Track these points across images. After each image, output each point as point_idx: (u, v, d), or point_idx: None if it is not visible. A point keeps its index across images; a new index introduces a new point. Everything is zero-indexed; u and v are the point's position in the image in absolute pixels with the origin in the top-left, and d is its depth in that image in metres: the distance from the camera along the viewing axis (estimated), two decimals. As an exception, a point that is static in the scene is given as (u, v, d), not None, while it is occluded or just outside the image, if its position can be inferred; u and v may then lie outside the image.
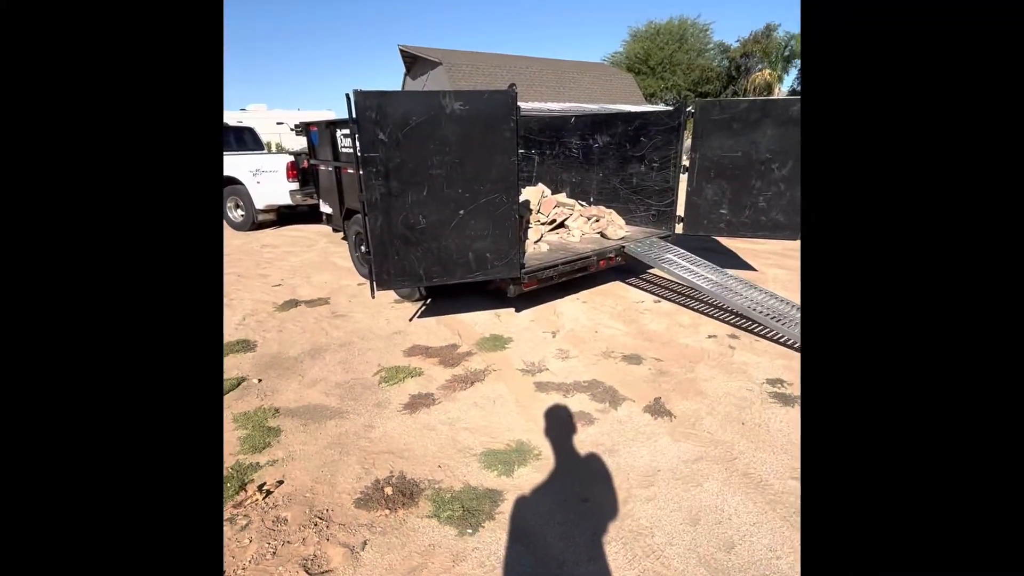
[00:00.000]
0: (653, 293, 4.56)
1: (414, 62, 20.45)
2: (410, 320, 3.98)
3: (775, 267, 5.36)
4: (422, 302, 4.33)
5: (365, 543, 1.83)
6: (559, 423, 2.55)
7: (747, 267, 5.39)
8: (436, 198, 3.21)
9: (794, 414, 2.59)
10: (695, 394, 2.82)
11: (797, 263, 5.46)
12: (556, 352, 3.37)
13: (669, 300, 4.37)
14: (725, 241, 6.32)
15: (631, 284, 4.82)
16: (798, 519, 1.89)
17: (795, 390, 2.83)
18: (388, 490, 2.08)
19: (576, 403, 2.74)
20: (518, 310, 4.14)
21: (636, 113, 4.82)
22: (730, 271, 4.49)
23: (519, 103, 3.22)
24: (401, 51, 20.21)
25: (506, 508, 1.98)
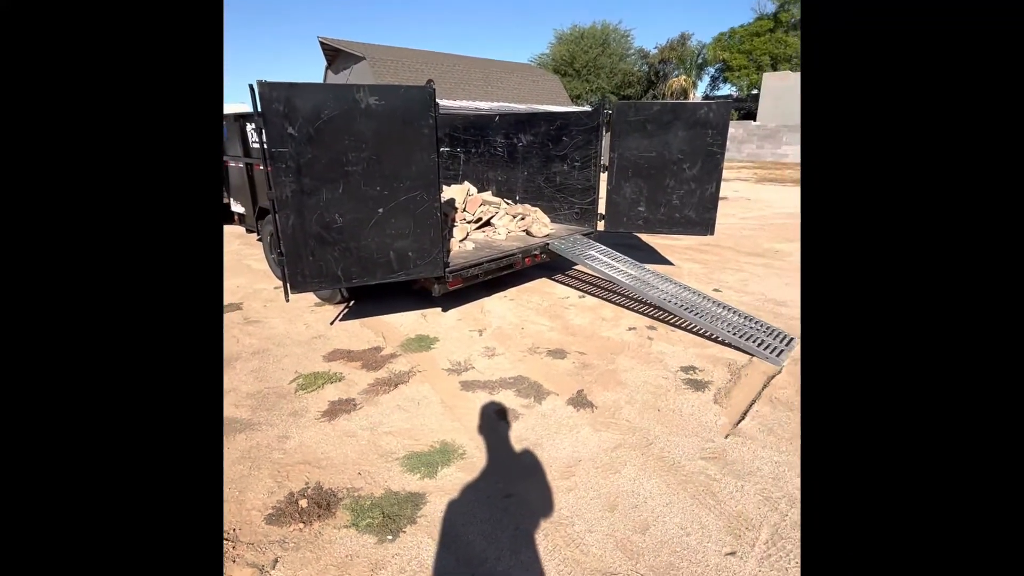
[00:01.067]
0: (578, 289, 4.68)
1: (336, 56, 19.64)
2: (331, 324, 3.82)
3: (690, 262, 5.69)
4: (344, 304, 4.17)
5: (276, 561, 1.72)
6: (484, 421, 2.55)
7: (665, 262, 5.68)
8: (353, 196, 3.09)
9: (705, 398, 2.76)
10: (616, 385, 2.92)
11: (710, 257, 5.83)
12: (483, 350, 3.37)
13: (593, 295, 4.51)
14: (645, 237, 6.62)
15: (557, 280, 4.92)
16: (707, 497, 2.01)
17: (706, 375, 3.01)
18: (303, 503, 1.98)
19: (502, 400, 2.75)
20: (444, 309, 4.10)
21: (557, 113, 4.92)
22: (648, 266, 4.70)
23: (441, 100, 3.17)
24: (321, 43, 19.33)
25: (429, 511, 1.95)
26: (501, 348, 3.40)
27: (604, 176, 4.71)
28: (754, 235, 7.07)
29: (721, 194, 11.80)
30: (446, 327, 3.75)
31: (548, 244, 4.33)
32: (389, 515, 1.92)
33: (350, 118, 2.95)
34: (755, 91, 26.03)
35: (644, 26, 45.34)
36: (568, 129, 4.81)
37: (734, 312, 3.74)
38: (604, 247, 4.51)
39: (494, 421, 2.55)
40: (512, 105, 5.08)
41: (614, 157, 4.55)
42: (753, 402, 2.71)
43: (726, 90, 30.93)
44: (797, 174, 16.29)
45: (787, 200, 10.50)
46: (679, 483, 2.09)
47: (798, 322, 3.85)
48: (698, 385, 2.90)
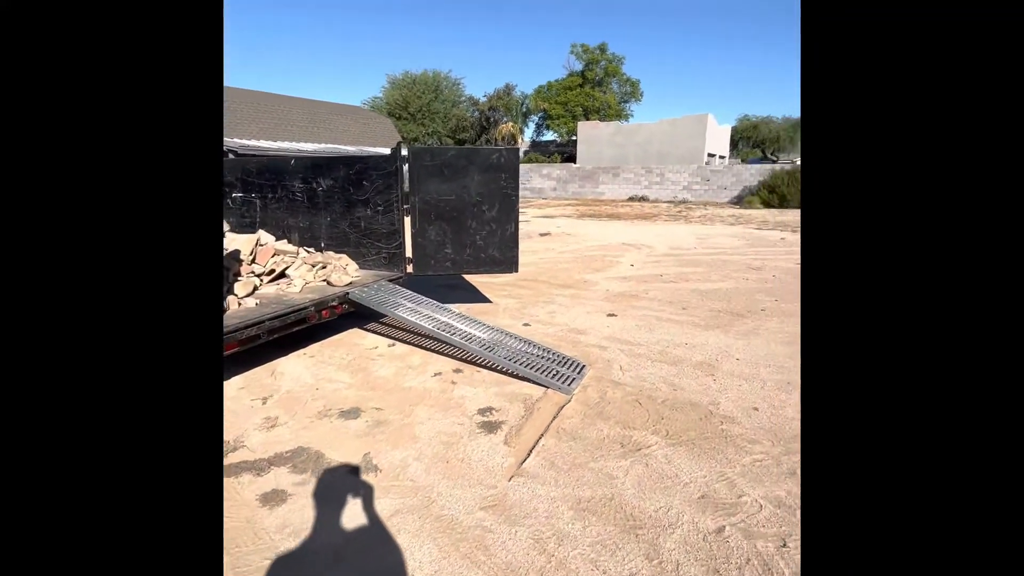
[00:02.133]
0: (389, 337, 4.48)
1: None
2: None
3: (507, 297, 5.89)
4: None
5: None
6: (239, 514, 2.17)
7: (484, 299, 5.79)
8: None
9: (497, 440, 2.74)
10: (408, 440, 2.76)
11: (525, 292, 6.11)
12: (262, 422, 2.95)
13: (404, 342, 4.34)
14: (467, 276, 6.72)
15: (369, 330, 4.66)
16: (479, 552, 1.92)
17: (501, 415, 3.01)
18: None
19: (271, 481, 2.38)
20: (225, 377, 3.55)
21: (356, 157, 4.78)
22: (462, 307, 4.71)
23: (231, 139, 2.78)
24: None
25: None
26: (286, 416, 3.02)
27: (408, 220, 4.66)
28: (569, 268, 7.66)
29: (545, 230, 12.71)
30: (224, 399, 3.23)
31: (348, 294, 4.07)
32: None
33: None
34: (574, 137, 29.21)
35: (472, 75, 48.40)
36: (368, 173, 4.68)
37: (534, 346, 3.88)
38: (411, 292, 4.41)
39: (253, 511, 2.18)
40: (301, 146, 4.80)
41: (415, 201, 4.53)
42: (541, 436, 2.76)
43: (549, 136, 34.21)
44: (612, 209, 18.45)
45: (602, 233, 11.72)
46: (453, 543, 1.98)
47: (593, 348, 4.15)
48: (492, 427, 2.88)
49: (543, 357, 3.69)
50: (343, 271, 4.40)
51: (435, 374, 3.66)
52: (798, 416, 2.96)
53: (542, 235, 11.47)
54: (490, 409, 3.10)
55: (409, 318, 3.86)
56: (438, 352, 4.08)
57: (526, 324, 4.84)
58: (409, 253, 4.75)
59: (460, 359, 3.91)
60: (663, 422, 2.91)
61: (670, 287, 6.33)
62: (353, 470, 2.48)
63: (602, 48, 31.83)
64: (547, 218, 15.45)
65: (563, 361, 3.68)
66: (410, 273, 4.80)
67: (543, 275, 7.11)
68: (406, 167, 4.59)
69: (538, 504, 2.20)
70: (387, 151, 4.88)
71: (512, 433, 2.81)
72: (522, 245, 9.91)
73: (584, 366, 3.69)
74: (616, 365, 3.79)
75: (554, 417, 2.99)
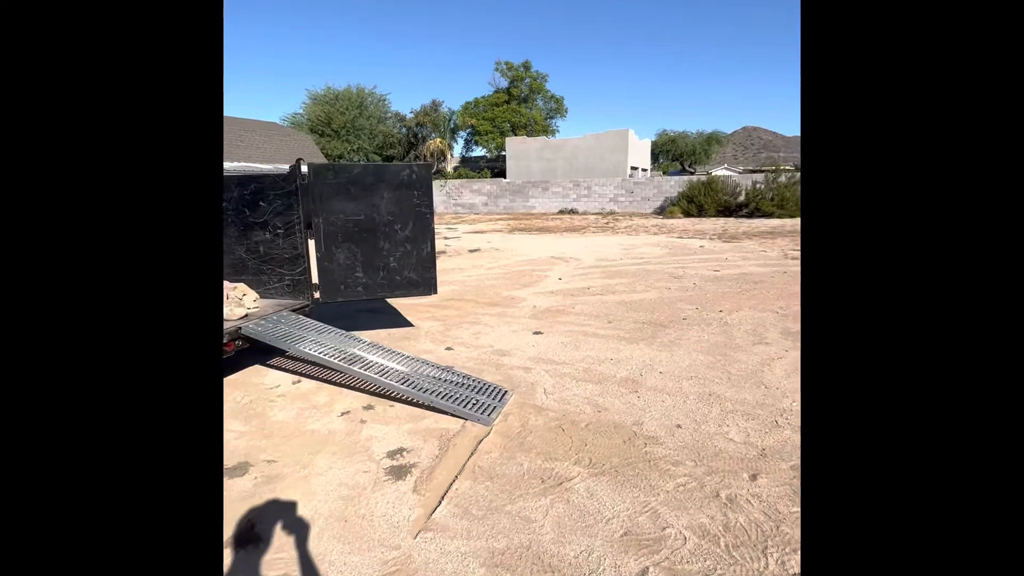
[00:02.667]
0: (295, 372, 4.05)
1: None
2: None
3: (430, 319, 5.60)
4: None
5: None
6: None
7: (406, 323, 5.47)
8: None
9: (405, 487, 2.45)
10: (303, 497, 2.41)
11: (450, 313, 5.85)
12: (123, 491, 2.48)
13: (310, 377, 3.94)
14: (391, 299, 6.37)
15: (272, 366, 4.21)
16: (372, 637, 1.63)
17: (413, 456, 2.73)
18: None
19: (121, 570, 1.96)
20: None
21: (251, 176, 4.34)
22: (365, 335, 4.38)
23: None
24: None
25: None
26: (155, 481, 2.56)
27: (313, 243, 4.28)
28: (496, 284, 7.49)
29: (475, 246, 12.53)
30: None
31: (240, 329, 3.63)
32: None
33: None
34: (503, 153, 29.48)
35: (398, 91, 47.84)
36: (265, 194, 4.27)
37: (454, 374, 3.63)
38: (317, 322, 4.03)
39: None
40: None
41: (319, 222, 4.17)
42: (455, 478, 2.51)
43: (479, 151, 34.36)
44: (543, 223, 18.64)
45: (532, 247, 11.70)
46: (342, 628, 1.67)
47: (518, 370, 3.96)
48: (401, 472, 2.59)
49: (463, 385, 3.45)
50: (238, 302, 3.94)
51: (343, 413, 3.30)
52: (719, 431, 2.91)
53: (471, 251, 11.28)
54: (401, 451, 2.80)
55: (313, 352, 3.48)
56: (349, 387, 3.72)
57: (448, 348, 4.58)
58: (316, 279, 4.36)
59: (373, 393, 3.58)
60: (586, 449, 2.75)
61: (596, 300, 6.32)
62: (230, 542, 2.10)
63: (526, 66, 32.54)
64: (478, 233, 15.30)
65: (484, 388, 3.46)
66: (319, 300, 4.41)
67: (469, 293, 6.88)
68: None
69: (446, 564, 1.94)
70: (243, 170, 4.49)
71: (423, 478, 2.53)
72: (450, 263, 9.74)
73: (506, 392, 3.49)
74: (540, 388, 3.61)
75: (471, 453, 2.74)
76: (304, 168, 4.21)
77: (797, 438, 2.79)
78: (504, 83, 32.89)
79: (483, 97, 33.12)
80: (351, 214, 4.22)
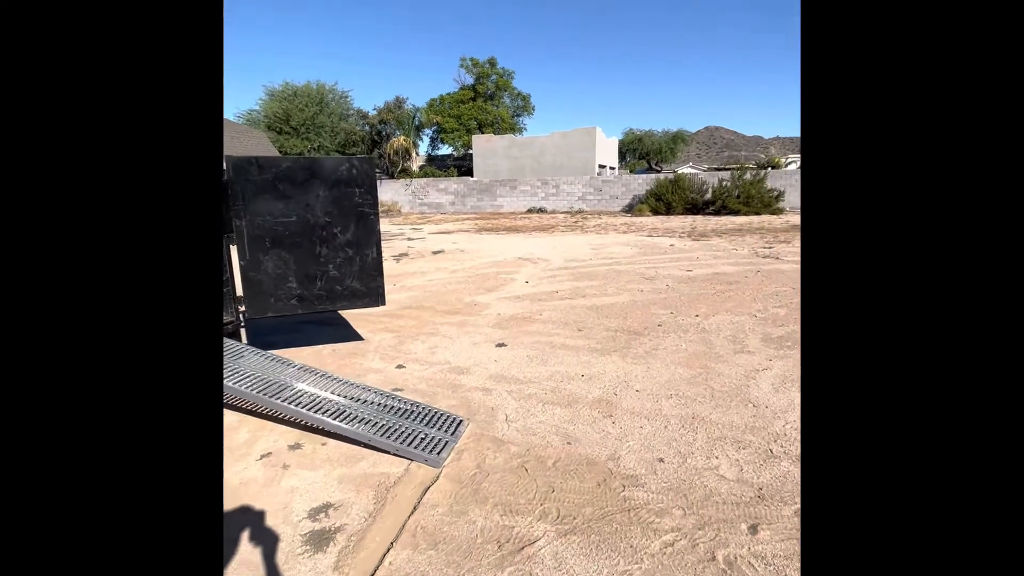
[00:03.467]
0: (215, 402, 3.45)
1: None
2: None
3: (383, 331, 5.05)
4: None
5: None
6: None
7: (356, 337, 4.90)
8: None
9: (326, 563, 1.93)
10: (189, 583, 1.85)
11: (406, 323, 5.31)
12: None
13: (233, 408, 3.35)
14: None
15: (189, 394, 3.58)
16: None
17: (341, 515, 2.21)
18: None
19: None
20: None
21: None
22: (305, 351, 3.82)
23: None
24: None
25: None
26: None
27: (235, 249, 3.68)
28: (459, 289, 6.97)
29: (439, 248, 11.99)
30: None
31: (138, 355, 3.02)
32: None
33: None
34: (470, 151, 28.87)
35: (361, 88, 46.67)
36: (177, 192, 3.63)
37: (401, 401, 3.11)
38: (233, 342, 3.43)
39: None
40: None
41: (242, 225, 3.57)
42: (390, 546, 2.00)
43: (445, 150, 33.63)
44: (511, 222, 18.20)
45: (499, 248, 11.22)
46: None
47: (477, 392, 3.48)
48: (322, 540, 2.07)
49: (410, 415, 2.94)
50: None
51: (263, 456, 2.74)
52: (708, 466, 2.49)
53: (435, 253, 10.72)
54: (327, 508, 2.27)
55: (229, 384, 2.90)
56: (276, 420, 3.15)
57: (400, 366, 4.05)
58: (241, 291, 3.76)
59: (304, 427, 3.03)
60: (554, 497, 2.29)
61: (565, 304, 5.89)
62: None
63: (492, 62, 32.01)
64: (444, 234, 14.72)
65: (435, 419, 2.96)
66: (245, 315, 3.81)
67: (429, 300, 6.35)
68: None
69: None
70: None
71: (349, 548, 2.01)
72: (411, 266, 9.15)
73: (461, 421, 3.00)
74: (501, 414, 3.14)
75: (414, 508, 2.24)
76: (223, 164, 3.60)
77: (796, 472, 2.40)
78: (470, 80, 32.25)
79: (449, 94, 32.38)
80: (280, 215, 3.64)
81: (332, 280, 3.86)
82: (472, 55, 33.03)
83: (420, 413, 2.99)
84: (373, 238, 3.90)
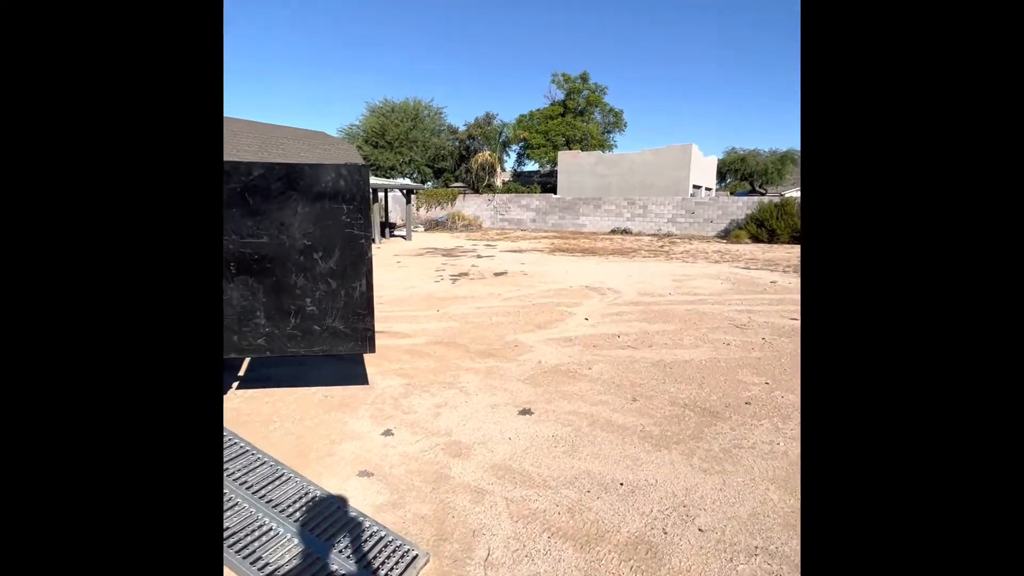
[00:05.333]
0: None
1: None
2: None
3: (395, 374, 4.21)
4: None
5: None
6: None
7: (360, 379, 4.12)
8: None
9: None
10: None
11: (427, 364, 4.44)
12: None
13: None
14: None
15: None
16: None
17: None
18: None
19: None
20: None
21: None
22: (272, 396, 3.03)
23: None
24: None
25: None
26: None
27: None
28: (504, 323, 6.02)
29: (502, 269, 11.11)
30: None
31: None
32: None
33: None
34: (555, 167, 28.08)
35: (456, 105, 48.00)
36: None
37: (340, 521, 2.19)
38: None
39: None
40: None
41: (202, 245, 2.90)
42: None
43: (531, 166, 33.19)
44: (590, 243, 17.03)
45: (567, 272, 10.14)
46: None
47: (463, 495, 2.47)
48: None
49: (344, 551, 2.00)
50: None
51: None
52: None
53: (496, 275, 9.88)
54: None
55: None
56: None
57: (388, 432, 3.16)
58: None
59: (212, 529, 2.21)
60: None
61: (625, 356, 4.70)
62: None
63: (584, 77, 31.14)
64: (516, 252, 13.93)
65: (378, 545, 1.99)
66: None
67: (465, 334, 5.45)
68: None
69: None
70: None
71: None
72: (464, 288, 8.34)
73: (416, 555, 2.00)
74: (483, 547, 2.10)
75: None
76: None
77: None
78: (560, 95, 31.60)
79: (538, 110, 31.95)
80: (248, 235, 2.92)
81: (309, 318, 3.07)
82: (564, 70, 32.37)
83: (357, 551, 2.04)
84: (362, 268, 3.07)
